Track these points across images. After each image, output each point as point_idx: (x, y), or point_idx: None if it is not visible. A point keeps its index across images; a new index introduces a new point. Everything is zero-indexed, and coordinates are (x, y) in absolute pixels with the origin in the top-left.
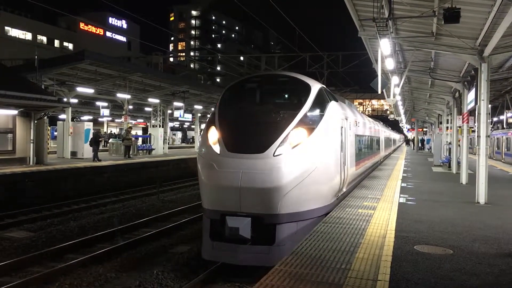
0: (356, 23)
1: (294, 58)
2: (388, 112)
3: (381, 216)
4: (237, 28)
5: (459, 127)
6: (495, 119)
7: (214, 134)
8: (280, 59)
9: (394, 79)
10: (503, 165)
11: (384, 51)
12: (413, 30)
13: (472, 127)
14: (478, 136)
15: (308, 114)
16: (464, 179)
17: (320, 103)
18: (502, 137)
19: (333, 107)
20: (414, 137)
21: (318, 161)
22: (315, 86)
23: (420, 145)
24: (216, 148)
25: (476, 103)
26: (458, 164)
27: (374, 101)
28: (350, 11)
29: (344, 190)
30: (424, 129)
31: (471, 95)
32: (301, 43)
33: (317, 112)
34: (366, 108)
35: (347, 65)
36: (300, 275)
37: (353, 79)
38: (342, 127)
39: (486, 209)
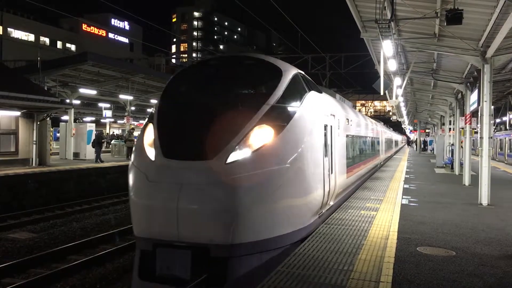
0: (359, 25)
1: (297, 60)
2: (390, 113)
3: (383, 218)
4: (239, 29)
5: (462, 128)
6: (497, 120)
7: (150, 135)
8: (282, 60)
9: (397, 80)
10: (506, 167)
11: (387, 52)
12: (415, 31)
13: (475, 128)
14: (481, 138)
15: (277, 106)
16: (466, 180)
17: (295, 93)
18: (505, 138)
19: (313, 99)
20: (416, 138)
21: (291, 170)
22: (289, 71)
23: (422, 146)
24: (151, 153)
25: (478, 104)
26: (461, 165)
27: (376, 102)
28: (352, 12)
29: (331, 203)
30: (427, 131)
31: (473, 96)
32: (303, 44)
33: (290, 104)
34: (368, 109)
35: (349, 66)
36: (302, 276)
37: (355, 80)
38: (326, 125)
39: (489, 210)
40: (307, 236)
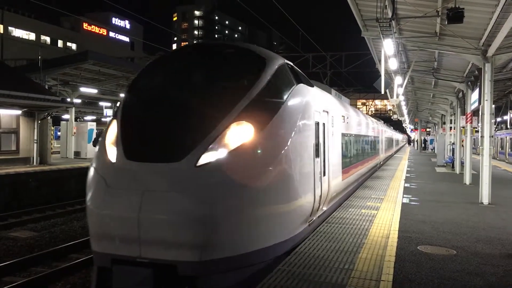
0: (360, 23)
1: (297, 58)
2: (391, 112)
3: (384, 217)
4: (240, 28)
5: (463, 127)
6: (498, 119)
7: (113, 133)
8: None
9: (398, 79)
10: (507, 166)
11: (388, 51)
12: (416, 30)
13: (476, 127)
14: (482, 136)
15: (259, 100)
16: (467, 179)
17: (281, 85)
18: (506, 137)
19: (302, 93)
20: (417, 137)
21: (273, 172)
22: (274, 61)
23: (423, 145)
24: (112, 154)
25: (479, 103)
26: (462, 164)
27: (377, 101)
28: (353, 11)
29: (325, 209)
30: (428, 129)
31: (474, 95)
32: (304, 43)
33: (274, 98)
34: (369, 108)
35: (350, 65)
36: (303, 275)
37: (356, 79)
38: (318, 122)
39: (490, 209)
40: (295, 247)
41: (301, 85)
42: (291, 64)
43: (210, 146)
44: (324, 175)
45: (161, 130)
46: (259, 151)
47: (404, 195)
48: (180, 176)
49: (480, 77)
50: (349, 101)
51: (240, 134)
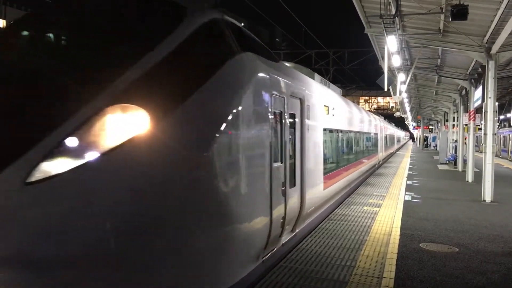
0: (363, 20)
1: (300, 55)
2: (394, 109)
3: (386, 214)
4: (242, 24)
5: (466, 125)
6: (501, 117)
7: None
8: (285, 56)
9: (401, 76)
10: (509, 163)
11: (391, 48)
12: (420, 27)
13: (479, 125)
14: (485, 134)
15: (163, 71)
16: (470, 177)
17: (207, 50)
18: (509, 135)
19: (251, 67)
20: (419, 135)
21: (182, 188)
22: (200, 13)
23: (425, 142)
24: None
25: (483, 100)
26: (464, 162)
27: (380, 98)
28: (356, 7)
29: (296, 231)
30: (430, 127)
31: (478, 93)
32: (307, 39)
33: (193, 69)
34: (372, 105)
35: (353, 62)
36: (305, 272)
37: (359, 76)
38: (282, 112)
39: (492, 207)
40: None
41: (250, 54)
42: (237, 23)
43: (57, 148)
44: (294, 185)
45: None
46: (155, 156)
47: (406, 193)
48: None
49: (484, 75)
50: (340, 90)
51: (120, 125)
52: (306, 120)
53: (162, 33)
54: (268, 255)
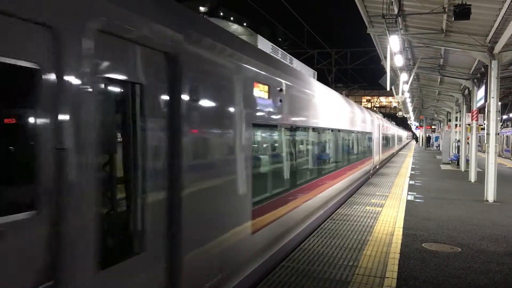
0: (365, 20)
1: (303, 55)
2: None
3: (389, 214)
4: (245, 24)
5: (468, 124)
6: (504, 116)
7: None
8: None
9: (403, 76)
10: None
11: (393, 47)
12: (422, 26)
13: (481, 125)
14: (488, 134)
15: None
16: (472, 177)
17: None
18: None
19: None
20: (421, 134)
21: None
22: None
23: (426, 142)
24: None
25: (485, 100)
26: (467, 162)
27: (382, 98)
28: (359, 7)
29: None
30: (433, 127)
31: (480, 93)
32: (309, 39)
33: None
34: (374, 105)
35: (355, 61)
36: (307, 271)
37: (361, 76)
38: (143, 85)
39: (495, 207)
40: None
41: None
42: None
43: None
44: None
45: None
46: None
47: (409, 192)
48: None
49: (486, 74)
50: (315, 72)
51: None
52: (204, 105)
53: None
54: None
